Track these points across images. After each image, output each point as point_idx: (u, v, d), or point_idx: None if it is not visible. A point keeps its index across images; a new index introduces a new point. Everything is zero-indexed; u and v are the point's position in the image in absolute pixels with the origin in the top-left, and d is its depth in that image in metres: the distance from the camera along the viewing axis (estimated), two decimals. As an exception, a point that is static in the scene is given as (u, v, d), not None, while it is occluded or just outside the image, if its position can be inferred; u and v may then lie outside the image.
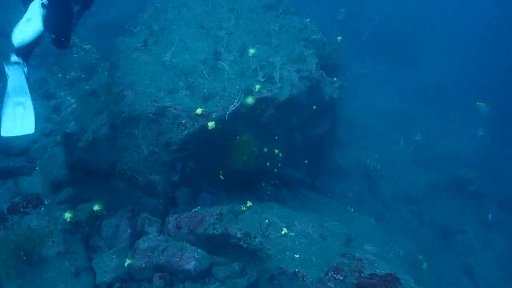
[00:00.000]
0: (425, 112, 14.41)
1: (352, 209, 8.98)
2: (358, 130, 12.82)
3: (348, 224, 8.11)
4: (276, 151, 7.61)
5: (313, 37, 9.25)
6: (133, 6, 12.78)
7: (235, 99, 6.95)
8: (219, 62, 7.77)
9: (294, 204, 8.23)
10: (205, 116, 6.69)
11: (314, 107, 7.87)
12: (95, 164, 6.93)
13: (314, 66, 7.99)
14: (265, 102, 7.13)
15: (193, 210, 6.68)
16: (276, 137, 7.56)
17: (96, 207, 6.36)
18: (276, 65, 7.84)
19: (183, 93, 7.05)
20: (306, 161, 8.52)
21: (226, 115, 6.67)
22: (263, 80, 7.42)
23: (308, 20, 9.84)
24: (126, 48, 8.01)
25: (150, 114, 6.66)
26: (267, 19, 9.61)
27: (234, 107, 6.75)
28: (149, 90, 7.00)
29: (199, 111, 6.64)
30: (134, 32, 8.85)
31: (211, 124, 6.54)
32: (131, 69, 7.48)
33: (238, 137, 7.03)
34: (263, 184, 8.01)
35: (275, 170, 7.87)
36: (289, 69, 7.79)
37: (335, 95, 8.27)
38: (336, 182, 10.45)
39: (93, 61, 11.27)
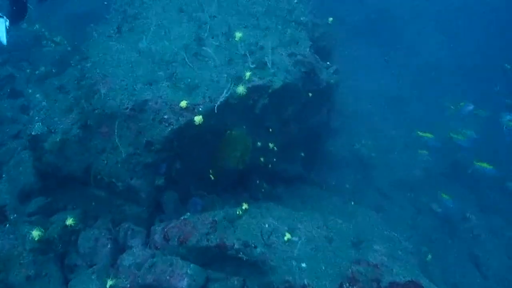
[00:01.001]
0: (417, 93, 13.60)
1: (352, 203, 8.15)
2: (348, 115, 11.92)
3: (351, 219, 7.28)
4: (271, 145, 6.66)
5: (302, 18, 8.26)
6: None
7: (223, 89, 5.96)
8: (203, 48, 6.73)
9: (292, 202, 7.34)
10: (191, 110, 5.68)
11: (310, 94, 6.92)
12: (67, 169, 5.87)
13: (308, 49, 7.02)
14: (257, 91, 6.15)
15: (182, 218, 5.68)
16: (270, 130, 6.61)
17: (69, 221, 5.30)
18: (267, 49, 6.85)
19: (164, 84, 6.01)
20: (302, 154, 7.60)
21: (215, 107, 5.67)
22: (254, 66, 6.42)
23: (296, 1, 8.83)
24: (97, 36, 6.91)
25: (127, 110, 5.61)
26: (251, 0, 8.58)
27: (223, 98, 5.76)
28: (124, 83, 5.94)
29: (183, 104, 5.62)
30: (107, 19, 7.73)
31: (198, 119, 5.54)
32: (104, 59, 6.39)
33: (228, 131, 6.05)
34: (257, 181, 7.07)
35: (270, 166, 6.93)
36: (281, 54, 6.80)
37: (332, 81, 7.32)
38: (331, 172, 9.56)
39: (65, 54, 10.09)
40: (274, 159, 6.90)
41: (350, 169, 10.11)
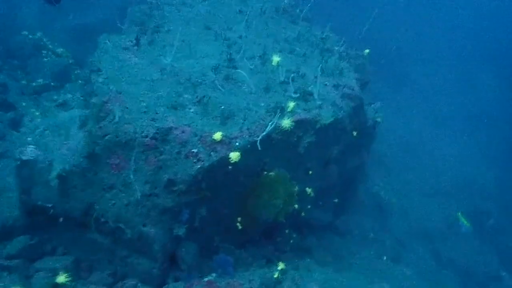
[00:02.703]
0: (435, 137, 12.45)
1: (385, 258, 6.86)
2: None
3: (390, 280, 5.97)
4: (308, 189, 5.35)
5: (337, 48, 7.13)
6: (115, 7, 10.27)
7: (263, 120, 4.68)
8: (235, 70, 5.49)
9: (323, 256, 5.99)
10: (226, 144, 4.38)
11: (355, 133, 5.69)
12: (62, 208, 4.44)
13: (355, 81, 5.83)
14: (303, 125, 4.89)
15: (206, 279, 4.28)
16: (310, 172, 5.32)
17: (60, 279, 3.84)
18: (309, 77, 5.65)
19: (192, 110, 4.71)
20: (336, 200, 6.30)
21: (257, 142, 4.38)
22: (296, 96, 5.19)
23: (327, 29, 7.72)
24: (111, 48, 5.59)
25: (147, 139, 4.27)
26: (282, 24, 7.43)
27: (266, 132, 4.48)
28: (144, 104, 4.62)
29: (217, 136, 4.32)
30: (122, 29, 6.43)
31: (234, 156, 4.23)
32: (119, 74, 5.07)
33: (266, 173, 4.73)
34: (287, 231, 5.72)
35: (303, 214, 5.61)
36: (326, 84, 5.60)
37: (379, 119, 6.13)
38: (353, 218, 8.29)
39: (66, 67, 8.70)
40: (309, 206, 5.59)
41: (370, 215, 8.84)
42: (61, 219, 4.52)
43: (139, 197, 4.18)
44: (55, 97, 5.54)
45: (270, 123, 4.43)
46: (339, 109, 5.21)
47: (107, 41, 5.59)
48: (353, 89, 5.57)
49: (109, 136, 4.29)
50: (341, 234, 6.98)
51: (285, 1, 8.21)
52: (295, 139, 4.86)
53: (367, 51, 7.63)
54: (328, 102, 5.25)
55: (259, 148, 4.34)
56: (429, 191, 10.29)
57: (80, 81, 7.47)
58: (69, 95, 5.18)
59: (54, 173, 4.24)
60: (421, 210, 9.94)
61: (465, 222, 8.89)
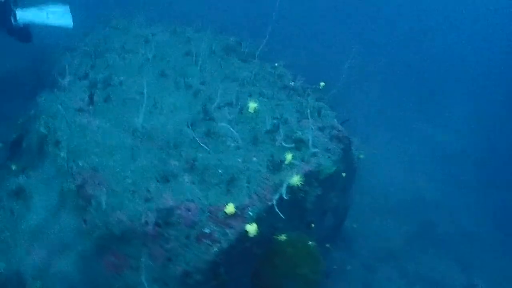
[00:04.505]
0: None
1: None
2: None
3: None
4: (311, 243, 4.88)
5: (293, 83, 6.84)
6: (29, 56, 8.78)
7: (267, 179, 4.13)
8: (215, 123, 4.86)
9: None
10: (239, 216, 3.73)
11: (344, 174, 5.37)
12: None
13: (335, 120, 5.55)
14: (307, 178, 4.41)
15: None
16: (313, 225, 4.85)
17: None
18: (291, 122, 5.23)
19: (187, 179, 3.97)
20: (328, 245, 5.91)
21: (274, 205, 3.81)
22: (290, 146, 4.71)
23: (276, 64, 7.42)
24: (62, 109, 4.59)
25: (149, 227, 3.45)
26: (234, 63, 6.93)
27: (279, 194, 3.93)
28: (130, 181, 3.77)
29: (230, 209, 3.65)
30: (62, 84, 5.39)
31: (252, 229, 3.60)
32: (84, 143, 4.13)
33: (279, 238, 4.14)
34: None
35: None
36: (312, 127, 5.22)
37: (362, 156, 5.90)
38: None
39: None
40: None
41: (339, 248, 8.63)
42: None
43: (149, 300, 3.34)
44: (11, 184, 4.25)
45: (284, 184, 3.89)
46: (333, 154, 4.85)
47: (58, 104, 4.57)
48: (339, 130, 5.27)
49: (99, 230, 3.38)
50: (327, 276, 6.61)
51: (231, 39, 7.77)
52: (302, 195, 4.37)
53: (322, 83, 7.46)
54: (321, 148, 4.86)
55: (280, 215, 3.77)
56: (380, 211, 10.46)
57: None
58: (22, 178, 4.04)
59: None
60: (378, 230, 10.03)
61: None
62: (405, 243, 9.87)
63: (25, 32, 6.84)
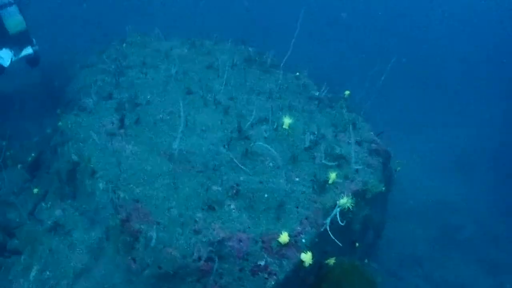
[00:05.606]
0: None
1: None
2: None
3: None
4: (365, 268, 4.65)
5: (317, 94, 6.62)
6: (36, 73, 8.37)
7: (315, 202, 3.92)
8: (252, 143, 4.63)
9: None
10: (293, 244, 3.51)
11: (383, 188, 5.15)
12: None
13: (372, 133, 5.33)
14: (355, 199, 4.18)
15: None
16: (357, 244, 4.63)
17: None
18: (329, 137, 5.01)
19: (233, 207, 3.74)
20: (366, 260, 5.69)
21: (328, 230, 3.59)
22: (331, 164, 4.49)
23: (297, 73, 7.20)
24: (94, 135, 4.37)
25: (201, 262, 3.22)
26: (257, 75, 6.71)
27: (331, 218, 3.71)
28: (175, 212, 3.55)
29: (284, 238, 3.42)
30: (87, 105, 5.15)
31: (307, 258, 3.38)
32: (122, 172, 3.91)
33: (331, 265, 3.92)
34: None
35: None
36: (349, 142, 5.00)
37: (399, 168, 5.68)
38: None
39: None
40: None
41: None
42: None
43: None
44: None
45: (337, 208, 3.67)
46: (376, 170, 4.63)
47: (90, 130, 4.35)
48: (377, 143, 5.05)
49: (148, 269, 3.16)
50: None
51: (250, 49, 7.55)
52: (350, 216, 4.15)
53: (347, 92, 7.24)
54: (362, 163, 4.64)
55: (336, 241, 3.55)
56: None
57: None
58: (58, 211, 3.80)
59: None
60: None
61: None
62: (429, 248, 9.67)
63: (36, 57, 6.65)
